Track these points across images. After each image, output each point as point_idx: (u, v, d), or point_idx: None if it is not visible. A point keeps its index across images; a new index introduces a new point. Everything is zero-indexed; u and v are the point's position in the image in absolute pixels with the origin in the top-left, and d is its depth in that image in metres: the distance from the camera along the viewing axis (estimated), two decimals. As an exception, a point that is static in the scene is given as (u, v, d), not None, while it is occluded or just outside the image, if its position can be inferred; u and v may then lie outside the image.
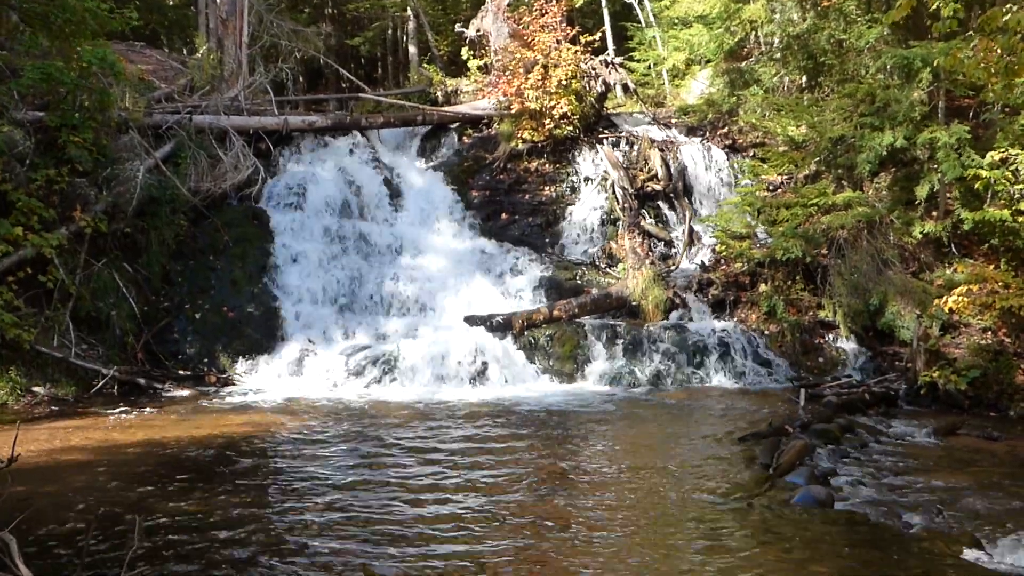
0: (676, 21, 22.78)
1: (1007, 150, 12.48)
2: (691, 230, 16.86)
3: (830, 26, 16.37)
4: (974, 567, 5.78)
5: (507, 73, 17.93)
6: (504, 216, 16.99)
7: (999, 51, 7.39)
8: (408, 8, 26.49)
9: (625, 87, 20.21)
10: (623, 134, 18.40)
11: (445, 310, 14.61)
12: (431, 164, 18.26)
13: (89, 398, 11.79)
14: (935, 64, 12.38)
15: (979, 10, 13.65)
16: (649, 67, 24.00)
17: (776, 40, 18.26)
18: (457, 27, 21.64)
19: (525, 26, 18.24)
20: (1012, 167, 12.49)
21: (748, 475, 7.92)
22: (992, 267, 12.86)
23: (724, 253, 15.34)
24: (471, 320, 13.72)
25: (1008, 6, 7.31)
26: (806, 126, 15.41)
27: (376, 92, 22.68)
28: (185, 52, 23.87)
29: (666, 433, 10.15)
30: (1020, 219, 12.38)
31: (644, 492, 7.59)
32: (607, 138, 18.19)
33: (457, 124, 19.02)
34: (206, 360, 13.14)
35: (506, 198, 17.27)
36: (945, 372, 11.64)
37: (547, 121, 17.43)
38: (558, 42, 17.87)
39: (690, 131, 19.08)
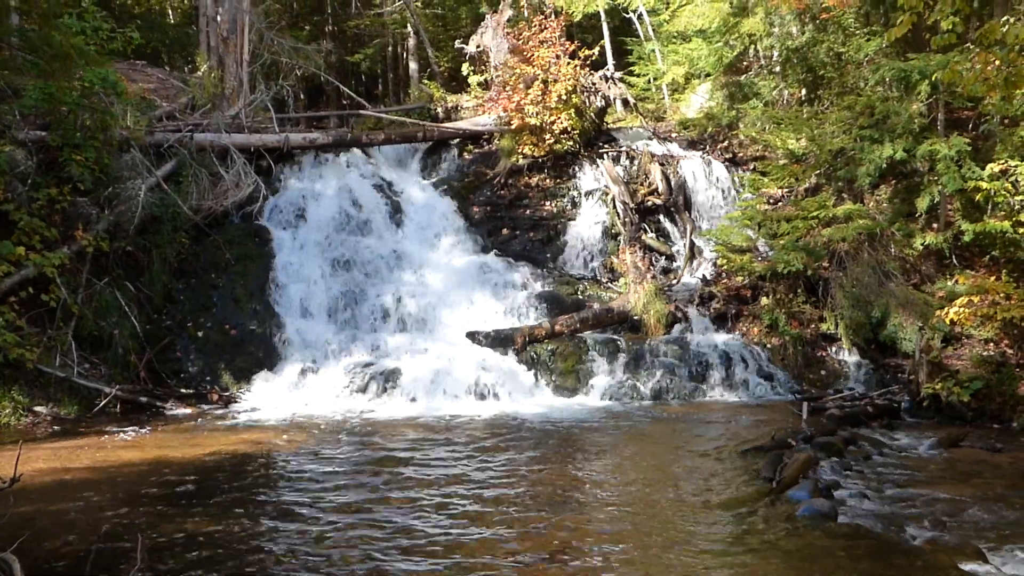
0: (675, 35, 22.90)
1: (1007, 161, 12.52)
2: (692, 244, 16.89)
3: (829, 39, 16.49)
4: (978, 580, 5.76)
5: (507, 88, 18.00)
6: (505, 231, 17.02)
7: (997, 63, 7.41)
8: (408, 25, 26.64)
9: (625, 102, 20.33)
10: (623, 148, 18.45)
11: (447, 326, 14.61)
12: (432, 180, 18.32)
13: (91, 417, 11.77)
14: (933, 76, 12.42)
15: (977, 22, 13.68)
16: (649, 81, 24.10)
17: (775, 53, 18.36)
18: (457, 43, 21.75)
19: (525, 41, 18.32)
20: (1012, 178, 12.52)
21: (751, 489, 7.90)
22: (993, 278, 12.84)
23: (725, 267, 15.35)
24: (473, 335, 13.72)
25: (1005, 18, 7.34)
26: (806, 139, 15.46)
27: (377, 109, 22.76)
28: (186, 70, 24.00)
29: (669, 447, 10.14)
30: (1021, 230, 12.40)
31: (647, 507, 7.57)
32: (607, 153, 18.24)
33: (458, 140, 19.08)
34: (208, 378, 13.16)
35: (507, 213, 17.31)
36: (947, 384, 11.60)
37: (547, 136, 17.49)
38: (557, 57, 17.95)
39: (690, 145, 19.17)
